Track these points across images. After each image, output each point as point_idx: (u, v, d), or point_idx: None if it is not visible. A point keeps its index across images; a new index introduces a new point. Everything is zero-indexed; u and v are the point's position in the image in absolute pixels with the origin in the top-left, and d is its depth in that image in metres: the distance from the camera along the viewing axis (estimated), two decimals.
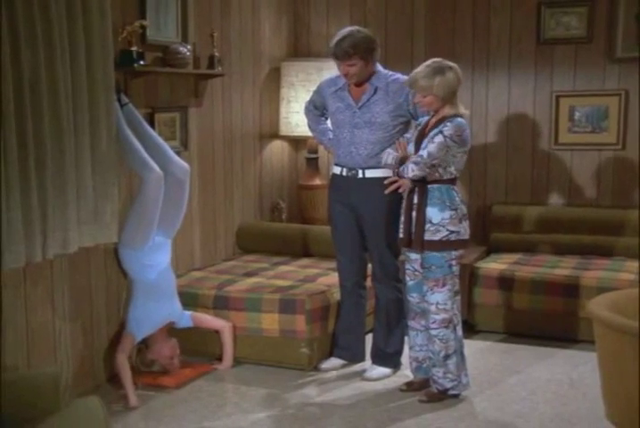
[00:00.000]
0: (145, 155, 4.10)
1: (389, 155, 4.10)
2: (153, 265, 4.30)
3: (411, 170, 3.91)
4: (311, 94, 4.65)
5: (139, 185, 4.16)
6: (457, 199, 4.03)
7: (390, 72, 4.32)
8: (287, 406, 4.12)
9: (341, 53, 4.15)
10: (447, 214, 3.98)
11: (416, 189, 4.00)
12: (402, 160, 4.01)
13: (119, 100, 4.17)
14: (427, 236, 3.98)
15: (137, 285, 4.31)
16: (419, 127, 4.09)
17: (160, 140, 4.35)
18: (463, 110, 4.01)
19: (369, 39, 4.21)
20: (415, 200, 4.01)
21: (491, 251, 5.71)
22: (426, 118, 4.09)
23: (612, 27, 5.46)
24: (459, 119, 3.94)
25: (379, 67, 4.32)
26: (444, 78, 3.88)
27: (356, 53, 4.14)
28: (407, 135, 4.18)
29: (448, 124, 3.91)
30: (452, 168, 3.99)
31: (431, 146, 3.89)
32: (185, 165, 4.35)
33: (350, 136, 4.32)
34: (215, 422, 3.94)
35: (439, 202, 3.98)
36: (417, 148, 4.00)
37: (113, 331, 4.42)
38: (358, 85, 4.28)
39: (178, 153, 4.86)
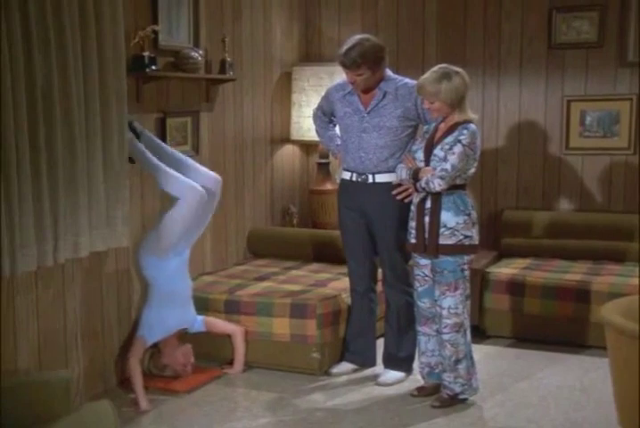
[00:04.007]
0: (181, 176, 4.13)
1: (402, 169, 4.10)
2: (171, 271, 4.31)
3: (438, 185, 3.90)
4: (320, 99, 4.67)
5: (173, 201, 4.16)
6: (469, 204, 4.04)
7: (399, 77, 4.33)
8: (298, 410, 4.12)
9: (349, 63, 4.15)
10: (462, 219, 3.98)
11: (429, 195, 4.00)
12: (415, 173, 4.01)
13: (134, 130, 4.21)
14: (441, 240, 3.98)
15: (153, 290, 4.32)
16: (427, 135, 4.09)
17: (184, 157, 4.37)
18: (471, 114, 4.01)
19: (377, 48, 4.20)
20: (428, 205, 4.01)
21: (502, 255, 5.69)
22: (434, 124, 4.09)
23: (624, 31, 5.45)
24: (473, 126, 3.95)
25: (388, 72, 4.32)
26: (450, 83, 3.88)
27: (364, 62, 4.14)
28: (413, 148, 4.17)
29: (465, 132, 3.91)
30: (465, 175, 4.00)
31: (453, 158, 3.89)
32: (217, 177, 4.37)
33: (359, 141, 4.32)
34: (225, 426, 3.94)
35: (454, 207, 3.98)
36: (427, 155, 4.00)
37: (124, 334, 4.43)
38: (366, 91, 4.29)
39: (191, 158, 4.89)
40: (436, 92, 3.89)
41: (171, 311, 4.31)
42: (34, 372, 3.78)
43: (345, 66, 4.19)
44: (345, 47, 4.19)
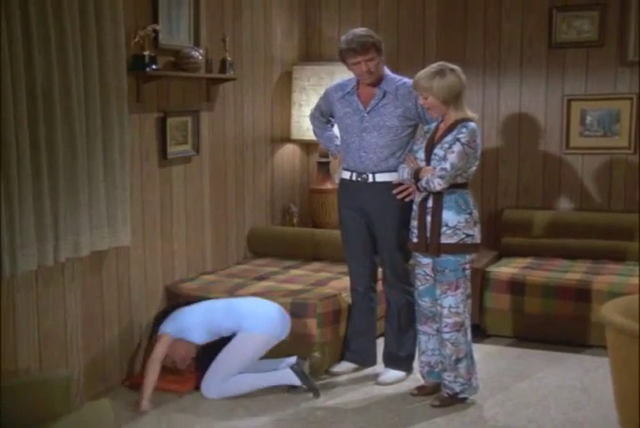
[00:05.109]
0: None
1: (404, 169, 4.11)
2: None
3: (438, 185, 3.90)
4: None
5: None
6: (471, 203, 4.04)
7: (399, 77, 4.33)
8: (298, 410, 4.12)
9: (360, 46, 4.13)
10: (463, 217, 3.98)
11: (431, 194, 4.00)
12: (416, 173, 4.02)
13: None
14: (443, 240, 3.98)
15: (214, 304, 4.41)
16: (427, 135, 4.09)
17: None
18: (471, 113, 4.02)
19: (378, 38, 4.24)
20: (430, 204, 4.01)
21: (502, 255, 5.69)
22: (434, 123, 4.10)
23: (624, 30, 5.45)
24: (472, 125, 3.95)
25: (387, 71, 4.32)
26: (444, 79, 3.90)
27: (374, 44, 4.16)
28: (414, 147, 4.17)
29: (464, 130, 3.92)
30: (466, 174, 4.00)
31: (452, 157, 3.89)
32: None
33: (359, 141, 4.32)
34: (225, 426, 3.94)
35: (455, 206, 3.98)
36: (428, 155, 4.00)
37: (124, 334, 4.42)
38: (373, 85, 4.27)
39: (190, 158, 4.89)
40: (429, 87, 3.91)
41: (205, 326, 4.31)
42: (34, 372, 3.78)
43: (355, 51, 4.15)
44: (349, 37, 4.18)
